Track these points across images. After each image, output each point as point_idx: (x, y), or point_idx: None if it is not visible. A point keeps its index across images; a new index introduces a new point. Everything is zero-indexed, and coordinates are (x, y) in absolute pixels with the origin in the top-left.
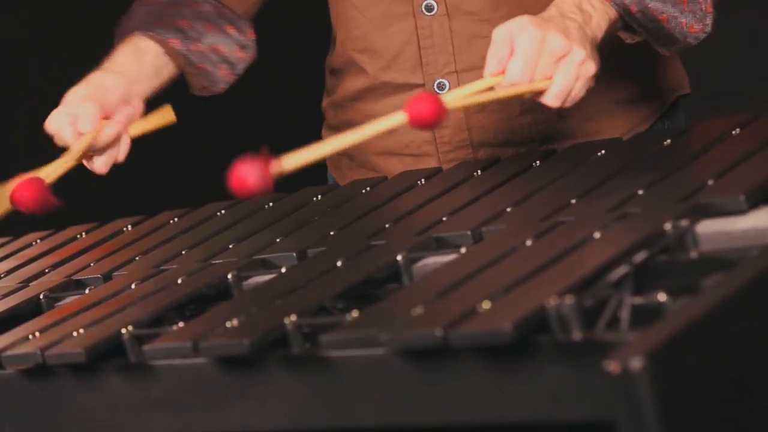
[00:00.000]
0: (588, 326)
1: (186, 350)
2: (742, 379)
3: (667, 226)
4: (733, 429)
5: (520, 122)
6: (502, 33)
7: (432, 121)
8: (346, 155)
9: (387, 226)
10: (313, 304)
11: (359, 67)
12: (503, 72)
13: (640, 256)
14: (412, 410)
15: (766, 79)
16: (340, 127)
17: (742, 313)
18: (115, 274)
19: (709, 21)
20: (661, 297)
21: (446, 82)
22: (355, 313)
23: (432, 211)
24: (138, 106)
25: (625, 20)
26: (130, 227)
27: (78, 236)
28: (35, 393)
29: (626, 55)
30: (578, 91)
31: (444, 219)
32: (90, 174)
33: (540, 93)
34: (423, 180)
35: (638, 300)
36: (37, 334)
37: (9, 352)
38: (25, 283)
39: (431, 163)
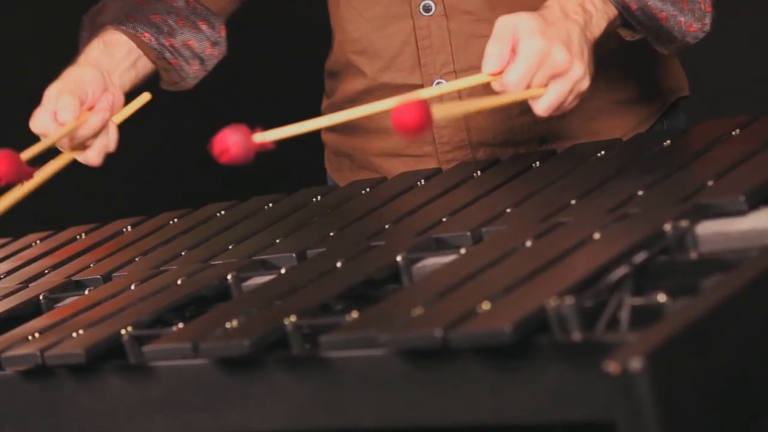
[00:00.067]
0: (588, 327)
1: (186, 351)
2: (742, 380)
3: (667, 226)
4: (732, 429)
5: (519, 122)
6: (505, 27)
7: (415, 130)
8: (346, 156)
9: (387, 226)
10: (312, 304)
11: (358, 69)
12: (501, 73)
13: (639, 257)
14: (412, 411)
15: (766, 79)
16: (339, 129)
17: (741, 313)
18: (114, 274)
19: (708, 20)
20: (661, 298)
21: (444, 83)
22: (354, 314)
23: (432, 211)
24: (118, 95)
25: (624, 18)
26: (129, 228)
27: (78, 237)
28: (35, 394)
29: (626, 56)
30: (569, 104)
31: (444, 220)
32: (90, 175)
33: (531, 98)
34: (422, 181)
35: (638, 301)
36: (36, 335)
37: (9, 353)
38: (25, 283)
39: (431, 164)
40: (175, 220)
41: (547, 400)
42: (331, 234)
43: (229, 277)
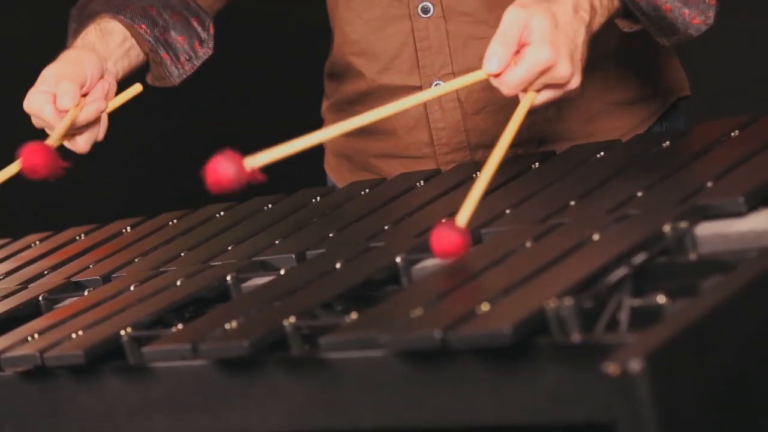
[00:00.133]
0: (587, 328)
1: (185, 352)
2: (741, 381)
3: (666, 228)
4: (731, 430)
5: None
6: (515, 24)
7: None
8: (345, 157)
9: (386, 227)
10: (312, 305)
11: (357, 71)
12: (500, 74)
13: (639, 258)
14: (412, 412)
15: (766, 79)
16: None
17: (741, 314)
18: (114, 275)
19: (711, 13)
20: (660, 299)
21: (443, 84)
22: (354, 315)
23: (431, 212)
24: (112, 83)
25: (627, 8)
26: (129, 229)
27: (77, 238)
28: (34, 395)
29: (625, 57)
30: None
31: (443, 221)
32: (90, 175)
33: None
34: (422, 182)
35: (637, 302)
36: (36, 335)
37: (8, 354)
38: (24, 284)
39: (430, 166)
40: (175, 220)
41: (546, 401)
42: (331, 235)
43: (228, 278)
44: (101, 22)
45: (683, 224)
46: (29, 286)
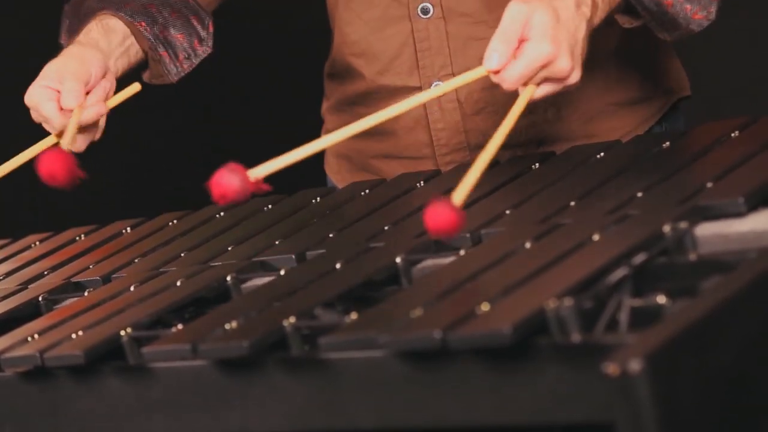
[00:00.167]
0: (587, 328)
1: (185, 352)
2: (741, 381)
3: (666, 228)
4: (731, 430)
5: (517, 124)
6: (517, 20)
7: (448, 230)
8: (345, 158)
9: (386, 228)
10: (312, 306)
11: (356, 71)
12: (499, 72)
13: (639, 259)
14: (412, 412)
15: (766, 79)
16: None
17: (740, 315)
18: (114, 276)
19: (713, 9)
20: (660, 299)
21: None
22: (354, 315)
23: None
24: (113, 82)
25: (628, 3)
26: (129, 229)
27: (77, 238)
28: (34, 395)
29: (626, 57)
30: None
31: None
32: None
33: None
34: (422, 182)
35: (637, 302)
36: (36, 336)
37: (8, 355)
38: (24, 285)
39: (429, 166)
40: (175, 221)
41: (546, 401)
42: (331, 235)
43: (228, 278)
44: (103, 19)
45: (683, 225)
46: (29, 286)
